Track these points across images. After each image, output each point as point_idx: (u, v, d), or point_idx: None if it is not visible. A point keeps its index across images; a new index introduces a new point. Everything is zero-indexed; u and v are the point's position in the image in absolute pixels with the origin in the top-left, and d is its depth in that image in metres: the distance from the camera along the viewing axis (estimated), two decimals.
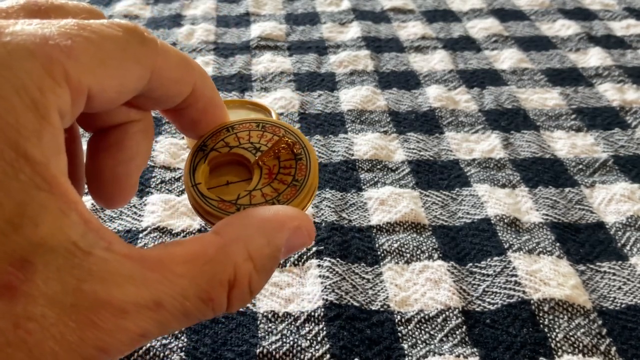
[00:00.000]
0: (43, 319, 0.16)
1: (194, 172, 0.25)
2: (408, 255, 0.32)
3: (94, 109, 0.19)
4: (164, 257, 0.18)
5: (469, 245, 0.33)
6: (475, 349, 0.27)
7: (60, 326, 0.16)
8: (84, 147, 0.22)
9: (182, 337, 0.28)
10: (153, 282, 0.18)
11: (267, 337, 0.27)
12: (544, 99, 0.47)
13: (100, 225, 0.17)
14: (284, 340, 0.27)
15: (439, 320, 0.28)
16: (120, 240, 0.18)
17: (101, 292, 0.17)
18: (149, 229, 0.33)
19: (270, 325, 0.28)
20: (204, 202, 0.24)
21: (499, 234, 0.33)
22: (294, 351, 0.26)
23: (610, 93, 0.48)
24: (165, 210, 0.34)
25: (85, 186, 0.23)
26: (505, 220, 0.34)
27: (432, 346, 0.27)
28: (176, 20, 0.61)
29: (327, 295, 0.29)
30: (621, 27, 0.60)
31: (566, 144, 0.42)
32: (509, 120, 0.45)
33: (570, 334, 0.27)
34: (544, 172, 0.39)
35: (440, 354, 0.26)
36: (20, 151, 0.16)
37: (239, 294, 0.20)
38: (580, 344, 0.27)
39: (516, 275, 0.30)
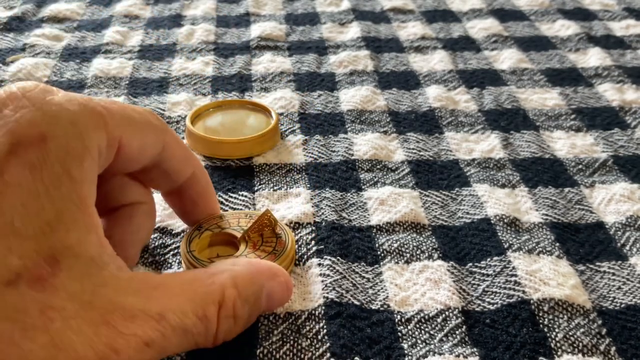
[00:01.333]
0: (64, 310, 0.18)
1: (190, 243, 0.30)
2: (408, 255, 0.32)
3: (119, 162, 0.24)
4: (164, 280, 0.22)
5: (469, 245, 0.33)
6: (475, 349, 0.27)
7: (78, 319, 0.18)
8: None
9: None
10: (157, 297, 0.20)
11: (267, 337, 0.27)
12: (543, 99, 0.47)
13: (113, 252, 0.21)
14: (284, 339, 0.27)
15: (438, 320, 0.28)
16: (127, 267, 0.21)
17: (114, 297, 0.19)
18: None
19: (270, 325, 0.28)
20: (197, 263, 0.28)
21: (499, 234, 0.33)
22: (294, 350, 0.26)
23: (610, 93, 0.48)
24: (165, 210, 0.34)
25: None
26: (505, 220, 0.34)
27: (432, 346, 0.27)
28: (176, 20, 0.61)
29: (327, 293, 0.29)
30: (621, 28, 0.60)
31: (566, 144, 0.42)
32: (508, 120, 0.45)
33: (570, 333, 0.27)
34: (543, 172, 0.39)
35: (440, 354, 0.26)
36: (66, 167, 0.20)
37: (225, 315, 0.23)
38: (580, 344, 0.27)
39: (516, 275, 0.30)
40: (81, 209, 0.19)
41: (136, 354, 0.19)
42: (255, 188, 0.37)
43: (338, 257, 0.31)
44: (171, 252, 0.32)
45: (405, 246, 0.32)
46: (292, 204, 0.35)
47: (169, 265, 0.31)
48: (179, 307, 0.21)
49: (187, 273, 0.23)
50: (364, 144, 0.41)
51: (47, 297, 0.18)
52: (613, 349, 0.27)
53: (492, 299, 0.30)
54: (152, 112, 0.26)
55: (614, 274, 0.31)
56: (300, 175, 0.38)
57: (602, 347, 0.27)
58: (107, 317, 0.19)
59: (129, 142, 0.23)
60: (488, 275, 0.31)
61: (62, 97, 0.21)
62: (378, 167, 0.39)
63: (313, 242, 0.32)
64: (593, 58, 0.54)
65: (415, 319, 0.28)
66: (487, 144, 0.42)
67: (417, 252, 0.32)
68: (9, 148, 0.19)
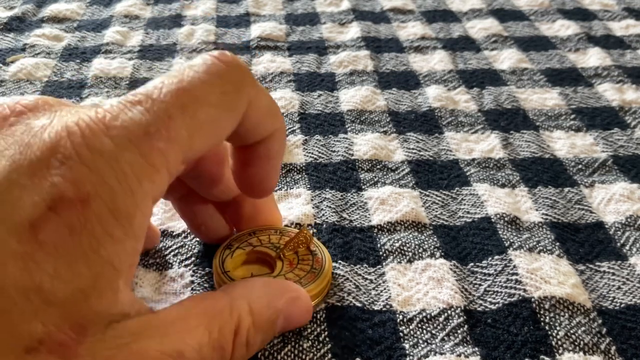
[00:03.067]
0: None
1: (223, 263, 0.28)
2: (410, 253, 0.32)
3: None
4: (180, 312, 0.21)
5: (470, 244, 0.33)
6: (476, 348, 0.27)
7: None
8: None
9: None
10: (175, 334, 0.20)
11: None
12: (543, 99, 0.48)
13: (133, 295, 0.20)
14: (285, 341, 0.27)
15: (440, 319, 0.28)
16: (145, 304, 0.21)
17: (133, 344, 0.19)
18: None
19: None
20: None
21: (500, 232, 0.33)
22: (296, 351, 0.26)
23: (610, 93, 0.48)
24: (166, 212, 0.35)
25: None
26: (506, 219, 0.34)
27: (434, 345, 0.27)
28: (176, 20, 0.61)
29: (329, 297, 0.29)
30: (620, 28, 0.60)
31: (565, 144, 0.42)
32: (508, 120, 0.45)
33: (571, 332, 0.28)
34: (543, 172, 0.39)
35: (441, 354, 0.26)
36: (109, 230, 0.18)
37: (239, 343, 0.22)
38: (581, 342, 0.27)
39: (517, 274, 0.30)
40: (119, 269, 0.19)
41: None
42: None
43: (340, 260, 0.31)
44: (172, 254, 0.32)
45: (407, 245, 0.33)
46: (293, 205, 0.36)
47: (169, 265, 0.31)
48: (196, 341, 0.21)
49: (203, 299, 0.23)
50: (364, 144, 0.41)
51: None
52: (613, 348, 0.27)
53: (494, 298, 0.30)
54: (235, 73, 0.21)
55: (613, 274, 0.31)
56: (300, 176, 0.38)
57: (602, 346, 0.27)
58: None
59: (197, 153, 0.21)
60: (489, 274, 0.31)
61: (114, 142, 0.18)
62: (378, 167, 0.39)
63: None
64: (593, 58, 0.54)
65: (417, 319, 0.28)
66: (487, 144, 0.42)
67: (420, 251, 0.32)
68: (50, 204, 0.17)
